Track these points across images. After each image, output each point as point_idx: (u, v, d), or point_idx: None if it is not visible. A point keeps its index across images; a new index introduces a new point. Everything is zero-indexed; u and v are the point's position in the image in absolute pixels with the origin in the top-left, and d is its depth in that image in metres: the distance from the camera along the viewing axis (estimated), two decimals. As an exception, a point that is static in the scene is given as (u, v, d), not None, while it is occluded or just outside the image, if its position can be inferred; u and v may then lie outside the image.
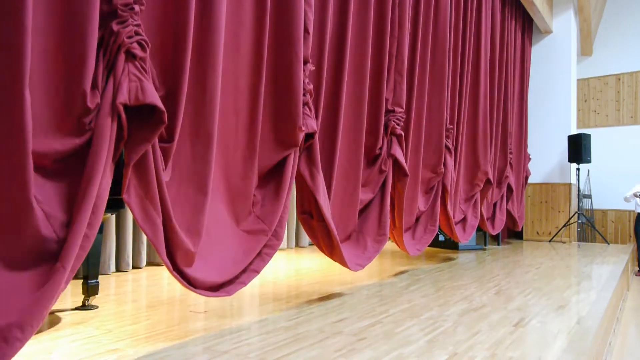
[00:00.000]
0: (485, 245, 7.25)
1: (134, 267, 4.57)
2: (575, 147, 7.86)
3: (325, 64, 3.35)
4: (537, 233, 8.38)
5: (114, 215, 4.29)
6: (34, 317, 1.70)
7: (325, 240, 3.43)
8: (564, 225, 8.04)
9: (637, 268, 7.34)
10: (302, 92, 3.03)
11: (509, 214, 7.30)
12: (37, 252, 1.81)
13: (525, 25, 8.14)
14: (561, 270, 4.91)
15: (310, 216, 3.42)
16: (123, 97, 1.97)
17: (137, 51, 2.04)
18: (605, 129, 9.27)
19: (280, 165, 3.01)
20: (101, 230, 2.95)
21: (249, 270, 2.79)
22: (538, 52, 8.58)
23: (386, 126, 4.01)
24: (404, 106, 4.17)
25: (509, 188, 7.27)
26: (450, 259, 5.68)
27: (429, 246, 7.14)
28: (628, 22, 9.15)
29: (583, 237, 8.86)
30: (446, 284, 4.00)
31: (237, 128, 2.81)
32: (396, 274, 4.50)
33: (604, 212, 9.21)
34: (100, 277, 3.41)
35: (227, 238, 2.76)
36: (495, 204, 6.85)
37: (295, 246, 6.68)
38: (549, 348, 2.33)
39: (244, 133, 2.85)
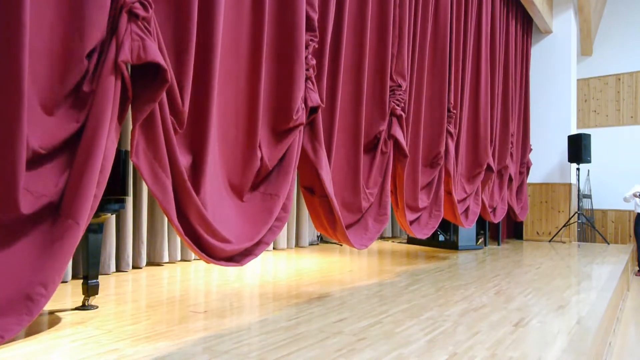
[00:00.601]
0: (485, 245, 7.25)
1: (134, 267, 4.57)
2: (575, 147, 7.86)
3: (328, 42, 3.38)
4: (537, 233, 8.38)
5: (114, 215, 4.29)
6: (55, 272, 1.80)
7: (328, 217, 3.45)
8: (564, 225, 8.04)
9: (637, 268, 7.34)
10: (304, 66, 3.06)
11: (509, 205, 7.38)
12: (49, 210, 1.88)
13: (525, 18, 8.16)
14: (561, 270, 4.91)
15: (312, 192, 3.42)
16: (125, 56, 2.02)
17: (140, 11, 2.08)
18: (605, 129, 9.27)
19: (287, 138, 3.04)
20: (101, 230, 2.95)
21: (261, 242, 2.84)
22: (538, 52, 8.58)
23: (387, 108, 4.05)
24: (405, 87, 4.20)
25: (510, 178, 7.37)
26: (450, 259, 5.68)
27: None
28: (628, 22, 9.15)
29: (583, 237, 8.86)
30: (446, 284, 4.00)
31: (237, 98, 2.83)
32: (396, 274, 4.50)
33: (604, 212, 9.21)
34: (100, 277, 3.41)
35: (237, 208, 2.80)
36: (496, 193, 6.94)
37: (295, 246, 6.68)
38: (549, 348, 2.33)
39: (245, 104, 2.87)
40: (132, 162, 2.21)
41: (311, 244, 7.08)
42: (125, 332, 2.49)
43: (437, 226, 4.95)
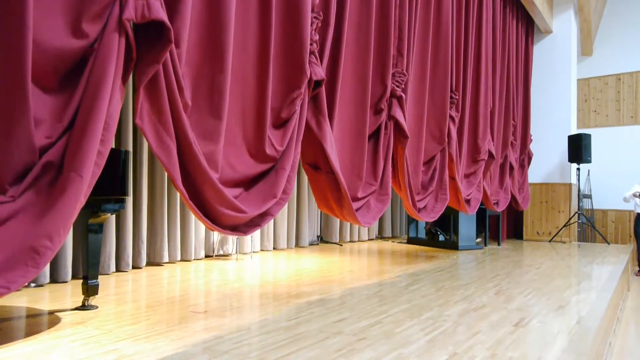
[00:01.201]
0: (485, 245, 7.25)
1: (134, 267, 4.57)
2: (575, 147, 7.86)
3: (332, 19, 3.43)
4: (537, 233, 8.38)
5: (114, 215, 4.29)
6: (60, 225, 1.82)
7: (334, 194, 3.46)
8: (564, 225, 8.04)
9: (637, 268, 7.34)
10: (309, 40, 3.11)
11: (511, 195, 7.46)
12: (53, 164, 1.91)
13: (525, 16, 8.20)
14: (561, 270, 4.91)
15: (316, 168, 3.43)
16: (129, 13, 2.06)
17: None
18: (605, 129, 9.27)
19: (292, 111, 3.08)
20: (101, 230, 2.95)
21: (266, 214, 2.88)
22: (538, 52, 8.59)
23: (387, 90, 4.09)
24: (404, 67, 4.22)
25: (511, 166, 7.44)
26: (450, 259, 5.68)
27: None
28: (628, 22, 9.15)
29: (583, 237, 8.86)
30: (446, 284, 3.99)
31: (247, 69, 2.88)
32: (396, 274, 4.50)
33: (604, 212, 9.20)
34: (100, 277, 3.41)
35: (246, 177, 2.82)
36: (498, 181, 7.02)
37: (295, 246, 6.68)
38: (549, 348, 2.33)
39: (255, 76, 2.91)
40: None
41: (311, 244, 7.08)
42: (125, 332, 2.49)
43: (443, 210, 4.99)
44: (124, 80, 2.13)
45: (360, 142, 3.81)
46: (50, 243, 1.80)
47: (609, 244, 8.15)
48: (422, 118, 4.69)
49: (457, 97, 5.24)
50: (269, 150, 2.94)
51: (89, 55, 2.00)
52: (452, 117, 5.15)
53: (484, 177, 6.20)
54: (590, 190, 9.28)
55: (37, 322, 2.68)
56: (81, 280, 3.00)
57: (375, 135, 4.03)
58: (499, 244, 7.42)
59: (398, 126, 4.15)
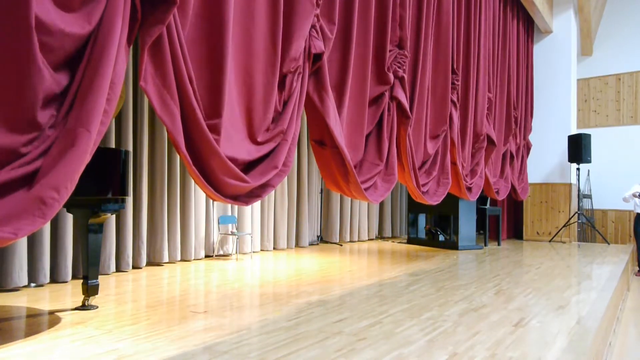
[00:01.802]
0: (485, 245, 7.25)
1: (134, 267, 4.57)
2: (575, 147, 7.86)
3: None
4: (537, 233, 8.38)
5: (114, 215, 4.29)
6: (68, 179, 1.86)
7: (340, 170, 3.49)
8: (564, 225, 8.04)
9: (637, 268, 7.34)
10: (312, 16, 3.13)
11: (511, 184, 7.53)
12: (60, 120, 1.94)
13: (526, 15, 8.22)
14: (561, 270, 4.91)
15: (322, 144, 3.44)
16: None
17: None
18: (605, 129, 9.26)
19: (292, 86, 3.09)
20: (101, 230, 2.95)
21: (267, 185, 2.89)
22: (538, 52, 8.59)
23: (389, 69, 4.10)
24: (406, 47, 4.23)
25: (512, 156, 7.51)
26: (450, 259, 5.69)
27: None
28: (628, 22, 9.15)
29: (583, 237, 8.86)
30: (446, 284, 4.00)
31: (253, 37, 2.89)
32: (396, 274, 4.50)
33: (604, 212, 9.20)
34: (100, 277, 3.41)
35: (247, 146, 2.82)
36: (498, 169, 7.07)
37: (295, 246, 6.68)
38: (549, 348, 2.33)
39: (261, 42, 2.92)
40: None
41: (311, 244, 7.08)
42: (125, 332, 2.49)
43: (446, 193, 5.01)
44: (129, 41, 2.15)
45: (365, 121, 3.87)
46: (57, 195, 1.85)
47: (608, 244, 8.15)
48: (423, 102, 4.73)
49: (458, 83, 5.26)
50: (270, 124, 2.97)
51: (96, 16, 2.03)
52: (453, 102, 5.17)
53: (486, 164, 6.25)
54: (590, 190, 9.28)
55: (37, 322, 2.68)
56: (81, 280, 3.01)
57: (381, 118, 4.08)
58: (499, 244, 7.42)
59: (400, 107, 4.19)
